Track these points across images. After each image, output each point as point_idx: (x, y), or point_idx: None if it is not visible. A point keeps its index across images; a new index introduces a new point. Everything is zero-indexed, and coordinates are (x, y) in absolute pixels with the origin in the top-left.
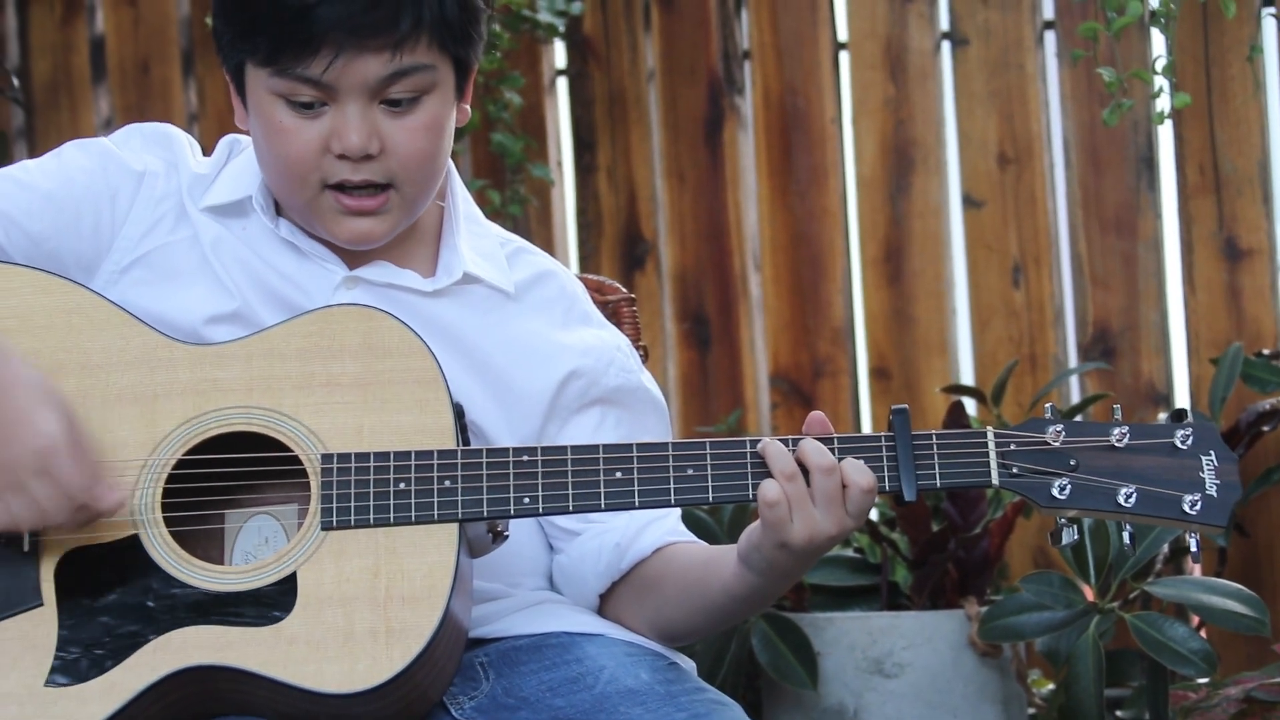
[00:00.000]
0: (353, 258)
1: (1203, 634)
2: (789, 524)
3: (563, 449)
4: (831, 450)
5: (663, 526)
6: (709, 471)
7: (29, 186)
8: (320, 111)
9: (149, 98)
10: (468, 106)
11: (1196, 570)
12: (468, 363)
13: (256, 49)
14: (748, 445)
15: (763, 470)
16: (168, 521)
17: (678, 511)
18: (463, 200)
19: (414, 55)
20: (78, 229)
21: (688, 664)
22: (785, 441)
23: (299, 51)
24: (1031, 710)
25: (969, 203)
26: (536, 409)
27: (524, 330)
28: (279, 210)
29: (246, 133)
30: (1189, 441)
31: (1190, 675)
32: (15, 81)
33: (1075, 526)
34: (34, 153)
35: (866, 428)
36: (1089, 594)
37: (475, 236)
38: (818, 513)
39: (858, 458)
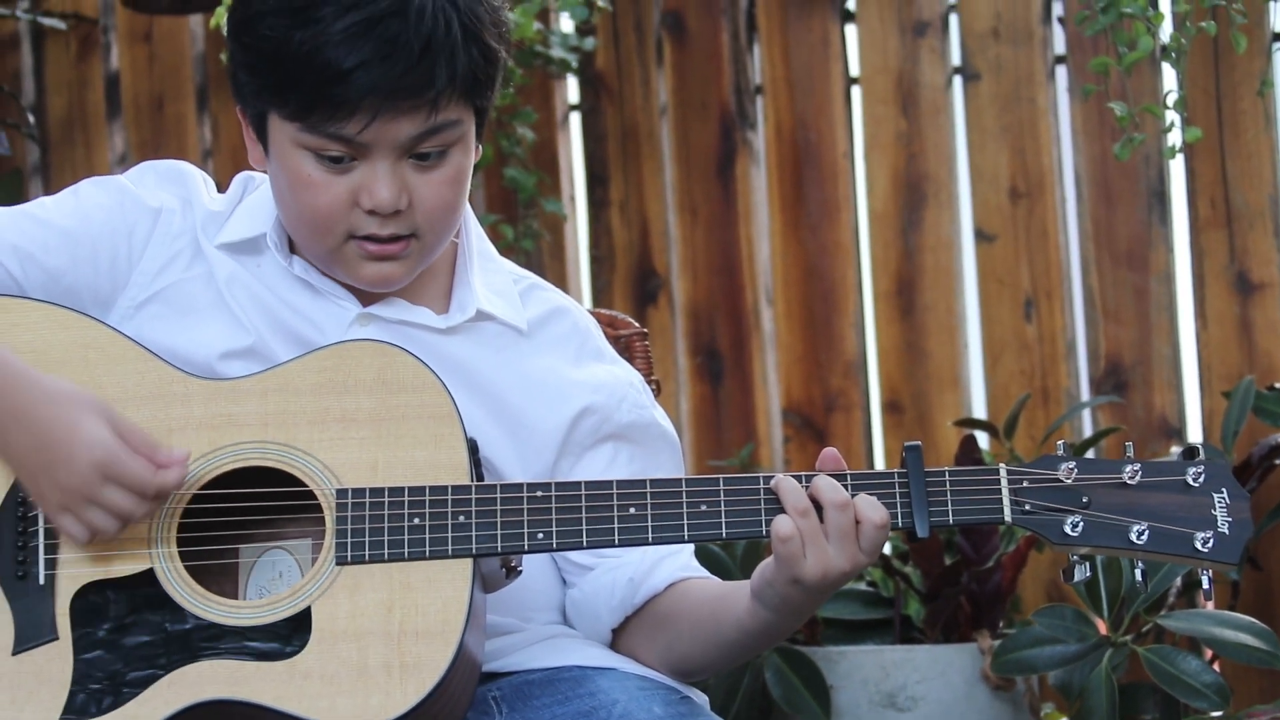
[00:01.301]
0: (366, 295)
1: (1216, 667)
2: (802, 559)
3: (576, 484)
4: (845, 486)
5: (676, 562)
6: (722, 507)
7: (47, 223)
8: (349, 166)
9: (164, 134)
10: (480, 146)
11: (1209, 604)
12: (481, 399)
13: (285, 104)
14: (761, 481)
15: (776, 506)
16: (183, 556)
17: (691, 547)
18: (476, 237)
19: (446, 112)
20: (95, 265)
21: (701, 698)
22: (798, 478)
23: (333, 113)
24: None
25: (981, 237)
26: (549, 445)
27: (537, 367)
28: (293, 248)
29: (255, 167)
30: (1201, 479)
31: (1203, 709)
32: (31, 118)
33: (1088, 563)
34: (49, 189)
35: (879, 461)
36: (1102, 627)
37: (488, 273)
38: (831, 548)
39: (871, 494)
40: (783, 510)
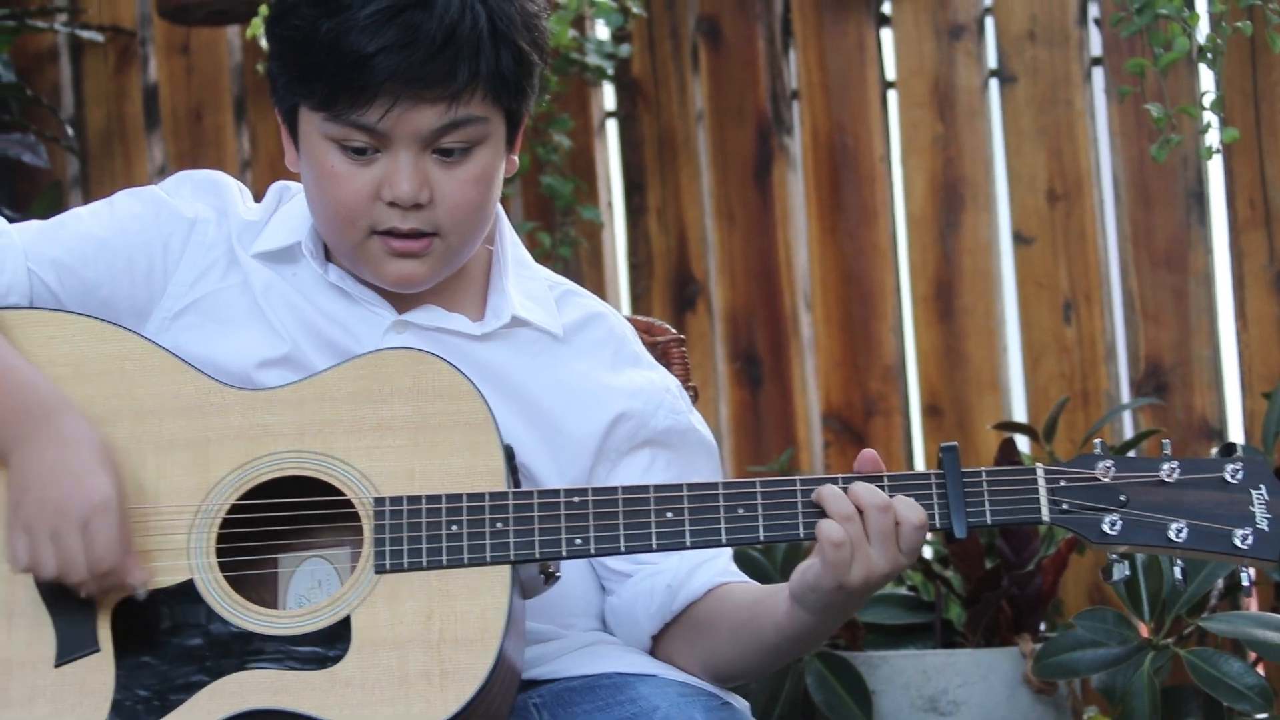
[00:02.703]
0: (401, 302)
1: (1259, 669)
2: (849, 564)
3: (614, 490)
4: (883, 488)
5: (714, 567)
6: (760, 511)
7: (83, 235)
8: (373, 158)
9: (202, 145)
10: (516, 157)
11: (1252, 605)
12: (516, 406)
13: (312, 94)
14: (798, 484)
15: (813, 509)
16: (222, 566)
17: (729, 551)
18: (511, 244)
19: (468, 107)
20: (131, 276)
21: (741, 704)
22: (834, 480)
23: (355, 99)
24: None
25: (1019, 239)
26: (586, 451)
27: (573, 373)
28: (328, 255)
29: (297, 175)
30: (1239, 475)
31: (1247, 711)
32: (70, 130)
33: (1127, 562)
34: (88, 201)
35: (919, 465)
36: (1144, 630)
37: (523, 279)
38: (874, 551)
39: (908, 495)
40: (822, 514)
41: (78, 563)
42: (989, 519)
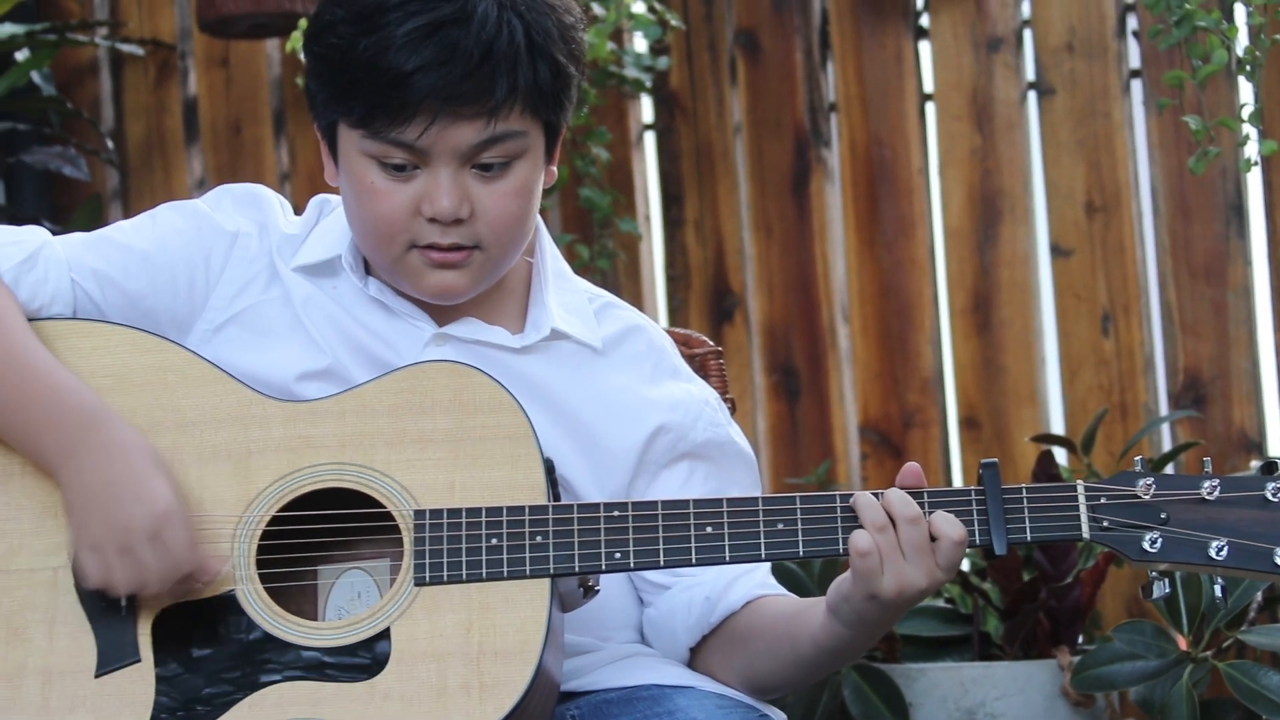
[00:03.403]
0: (441, 315)
1: None
2: (880, 575)
3: (653, 504)
4: (921, 505)
5: (752, 579)
6: (799, 525)
7: (126, 248)
8: (412, 174)
9: (241, 158)
10: (554, 169)
11: None
12: (556, 418)
13: (351, 111)
14: (837, 499)
15: (853, 523)
16: (262, 578)
17: (767, 564)
18: (551, 256)
19: (507, 122)
20: (173, 288)
21: (779, 716)
22: (876, 495)
23: (394, 117)
24: None
25: (1057, 252)
26: (625, 464)
27: (612, 385)
28: (368, 269)
29: (336, 189)
30: None
31: None
32: (110, 144)
33: (1167, 580)
34: (128, 214)
35: (957, 478)
36: (1182, 643)
37: (563, 292)
38: (908, 564)
39: (948, 511)
40: (860, 527)
41: (151, 575)
42: (1029, 536)
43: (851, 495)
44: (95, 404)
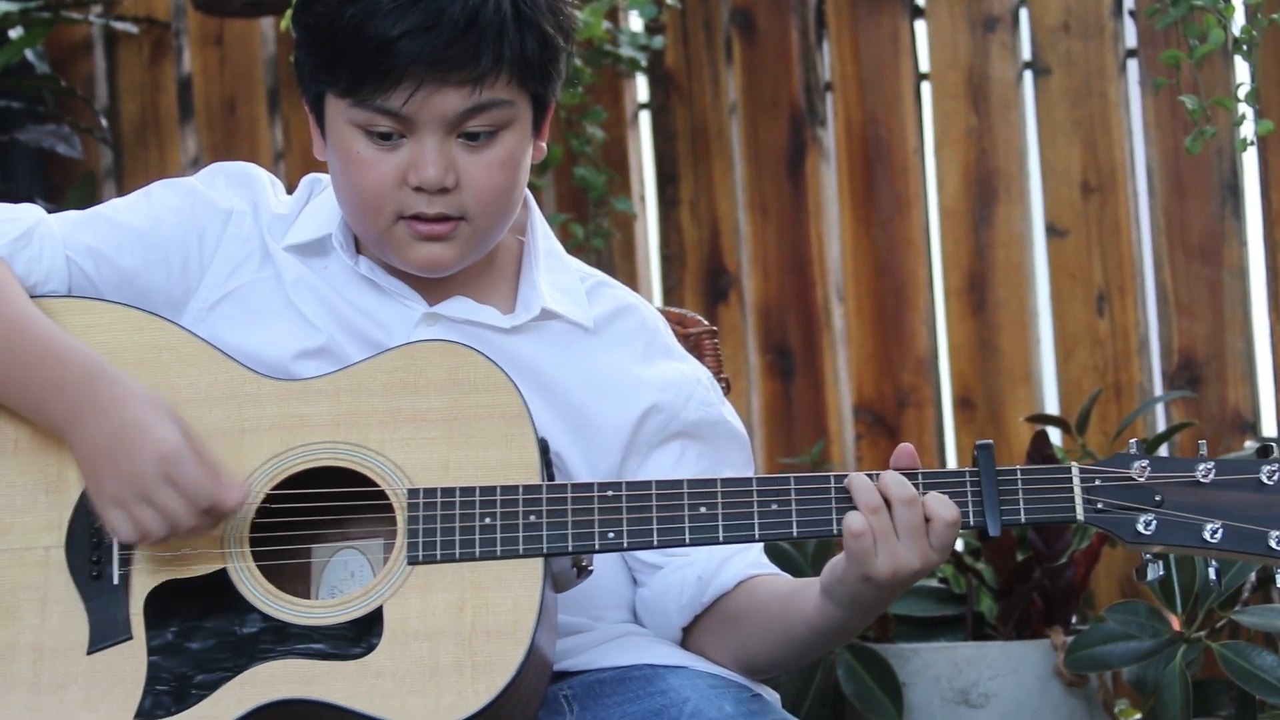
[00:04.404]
0: (432, 294)
1: None
2: (873, 556)
3: (647, 484)
4: (916, 485)
5: (745, 559)
6: (793, 506)
7: (120, 225)
8: (398, 144)
9: (235, 136)
10: (544, 144)
11: None
12: (547, 398)
13: (337, 79)
14: (832, 480)
15: (847, 504)
16: (255, 556)
17: (760, 544)
18: (542, 235)
19: (493, 91)
20: (167, 266)
21: (772, 696)
22: (871, 476)
23: (379, 83)
24: None
25: (1052, 232)
26: (617, 443)
27: (603, 364)
28: (359, 248)
29: (325, 164)
30: (1275, 477)
31: (1278, 704)
32: (104, 122)
33: (1161, 562)
34: (122, 192)
35: (951, 458)
36: (1175, 623)
37: (554, 271)
38: (902, 546)
39: (942, 493)
40: (854, 508)
41: (178, 514)
42: (1023, 517)
43: (846, 476)
44: (94, 361)
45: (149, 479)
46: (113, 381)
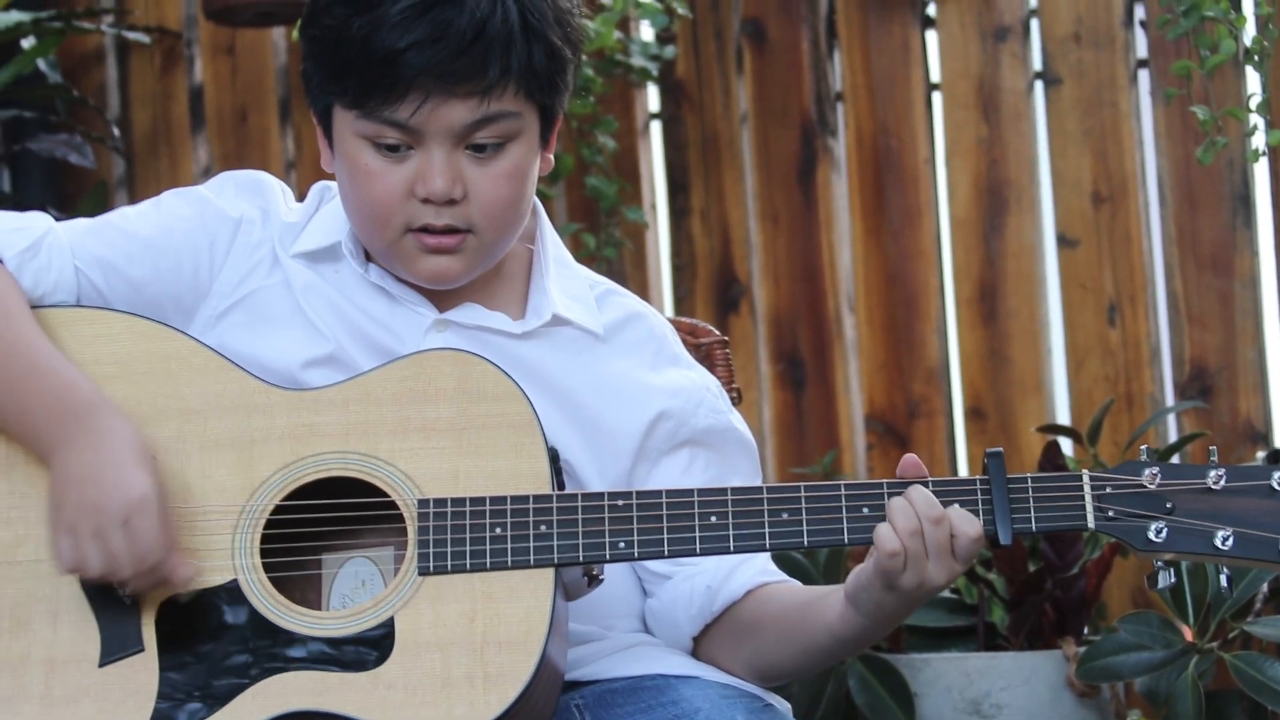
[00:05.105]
0: (442, 301)
1: None
2: (901, 573)
3: (657, 493)
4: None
5: (753, 567)
6: (804, 515)
7: (130, 234)
8: (405, 155)
9: (247, 146)
10: (551, 156)
11: None
12: (557, 404)
13: (345, 91)
14: (842, 489)
15: (858, 514)
16: (266, 567)
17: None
18: (552, 243)
19: (500, 102)
20: (177, 275)
21: (783, 705)
22: (879, 486)
23: (387, 95)
24: None
25: (1063, 242)
26: (626, 450)
27: (613, 372)
28: (368, 255)
29: (334, 175)
30: None
31: None
32: (116, 131)
33: (1172, 569)
34: (134, 201)
35: (963, 468)
36: (1188, 634)
37: (564, 279)
38: (930, 564)
39: (953, 500)
40: (869, 517)
41: (121, 560)
42: (1034, 525)
43: (856, 488)
44: (93, 395)
45: (108, 517)
46: (107, 417)
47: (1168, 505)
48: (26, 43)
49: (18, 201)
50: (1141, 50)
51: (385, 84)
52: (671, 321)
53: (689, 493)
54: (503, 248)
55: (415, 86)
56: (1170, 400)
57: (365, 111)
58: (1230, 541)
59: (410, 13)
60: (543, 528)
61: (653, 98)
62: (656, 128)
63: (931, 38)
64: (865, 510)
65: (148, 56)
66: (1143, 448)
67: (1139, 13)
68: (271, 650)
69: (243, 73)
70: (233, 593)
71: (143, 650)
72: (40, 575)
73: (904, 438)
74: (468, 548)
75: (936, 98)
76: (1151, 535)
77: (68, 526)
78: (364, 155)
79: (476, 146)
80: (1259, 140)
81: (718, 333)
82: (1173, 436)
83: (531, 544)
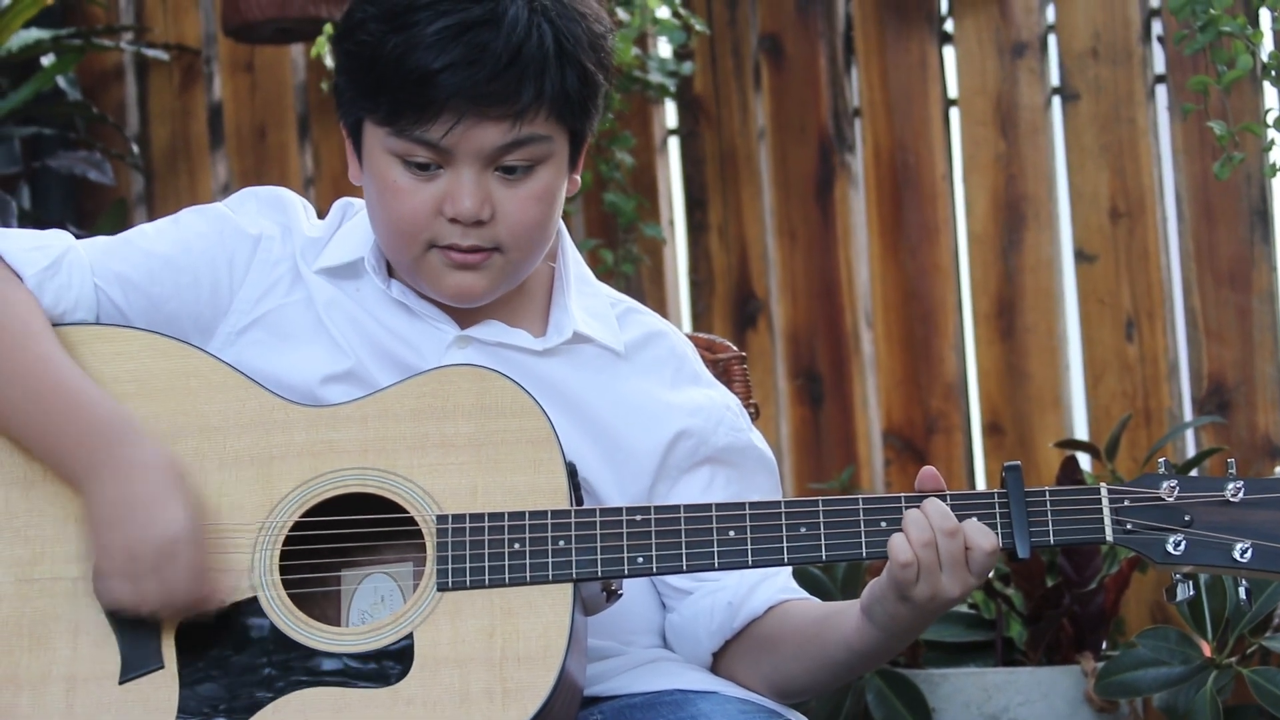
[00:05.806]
0: (464, 318)
1: None
2: (914, 584)
3: (675, 508)
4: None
5: (775, 584)
6: (822, 530)
7: (149, 252)
8: (435, 174)
9: (266, 162)
10: (578, 177)
11: None
12: (578, 421)
13: (378, 108)
14: (860, 503)
15: (876, 528)
16: (285, 583)
17: (789, 568)
18: (573, 261)
19: (532, 126)
20: (196, 292)
21: None
22: (898, 499)
23: (419, 115)
24: None
25: (1081, 257)
26: (646, 468)
27: (633, 390)
28: (391, 271)
29: (360, 189)
30: None
31: None
32: (135, 148)
33: (1191, 582)
34: (153, 218)
35: (980, 484)
36: (1206, 649)
37: (585, 296)
38: (944, 575)
39: (971, 514)
40: (884, 531)
41: (151, 603)
42: (1052, 539)
43: (875, 502)
44: (119, 418)
45: (144, 561)
46: (135, 445)
47: (1186, 518)
48: (46, 60)
49: (37, 218)
50: (1159, 65)
51: (418, 104)
52: (689, 337)
53: (707, 507)
54: (527, 268)
55: (448, 108)
56: (1188, 415)
57: (396, 129)
58: (1249, 554)
59: (446, 34)
60: (561, 543)
61: (670, 114)
62: (674, 144)
63: (949, 53)
64: (883, 524)
65: (167, 74)
66: (1161, 460)
67: (1156, 28)
68: (291, 666)
69: (262, 90)
70: (253, 609)
71: (163, 667)
72: (59, 593)
73: (922, 453)
74: (486, 563)
75: (954, 113)
76: (1170, 548)
77: (107, 570)
78: (393, 172)
79: (506, 168)
80: (1276, 155)
81: (735, 348)
82: (1190, 452)
83: (550, 559)
